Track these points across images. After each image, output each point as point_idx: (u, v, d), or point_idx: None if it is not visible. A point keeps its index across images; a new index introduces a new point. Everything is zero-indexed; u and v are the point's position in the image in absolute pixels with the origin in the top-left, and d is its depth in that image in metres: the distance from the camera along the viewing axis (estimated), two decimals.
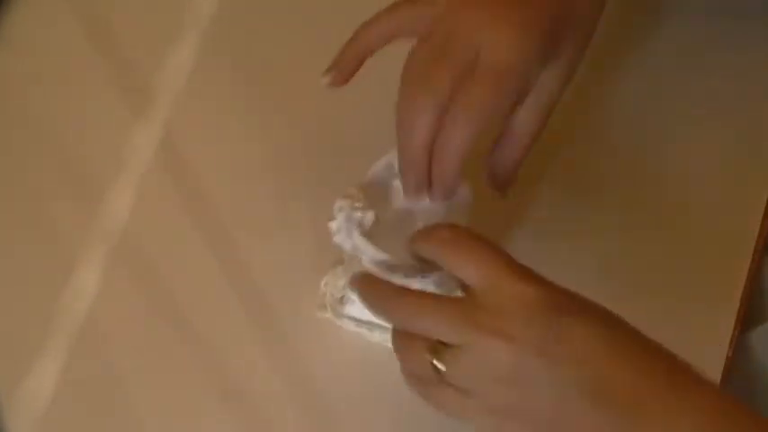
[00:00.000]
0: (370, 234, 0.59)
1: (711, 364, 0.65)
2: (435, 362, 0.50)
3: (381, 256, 0.58)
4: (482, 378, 0.50)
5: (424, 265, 0.57)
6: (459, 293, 0.54)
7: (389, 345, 0.56)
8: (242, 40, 0.78)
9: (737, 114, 0.75)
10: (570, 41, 0.60)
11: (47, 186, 0.71)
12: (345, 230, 0.59)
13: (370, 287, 0.55)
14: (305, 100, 0.75)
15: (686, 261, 0.69)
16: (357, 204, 0.59)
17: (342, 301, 0.65)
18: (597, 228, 0.70)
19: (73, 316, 0.66)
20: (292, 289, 0.67)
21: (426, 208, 0.61)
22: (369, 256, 0.59)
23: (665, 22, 0.78)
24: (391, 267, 0.58)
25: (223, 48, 0.78)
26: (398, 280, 0.57)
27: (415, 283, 0.56)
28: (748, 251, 0.69)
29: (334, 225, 0.60)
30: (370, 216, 0.59)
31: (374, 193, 0.61)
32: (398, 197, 0.62)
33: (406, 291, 0.54)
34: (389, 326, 0.57)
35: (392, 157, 0.61)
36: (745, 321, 0.68)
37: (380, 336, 0.64)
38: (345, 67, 0.62)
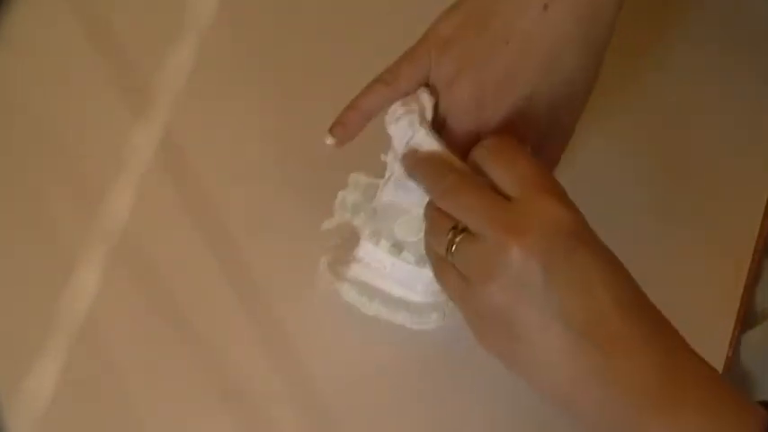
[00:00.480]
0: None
1: (713, 351, 0.65)
2: (453, 239, 0.52)
3: (441, 146, 0.58)
4: (484, 271, 0.51)
5: None
6: None
7: (386, 317, 0.58)
8: (242, 40, 0.78)
9: (737, 115, 0.75)
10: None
11: (47, 186, 0.71)
12: (409, 121, 0.59)
13: (425, 157, 0.57)
14: (305, 100, 0.75)
15: (686, 262, 0.69)
16: (424, 95, 0.60)
17: (347, 261, 0.64)
18: (597, 228, 0.70)
19: (73, 316, 0.66)
20: (293, 288, 0.67)
21: None
22: (429, 146, 0.58)
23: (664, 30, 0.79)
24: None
25: (223, 48, 0.78)
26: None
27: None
28: (748, 251, 0.69)
29: (397, 111, 0.60)
30: (430, 106, 0.59)
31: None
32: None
33: (454, 168, 0.55)
34: (389, 297, 0.60)
35: (413, 116, 0.60)
36: (745, 322, 0.68)
37: (378, 307, 0.63)
38: (348, 133, 0.63)
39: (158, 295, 0.67)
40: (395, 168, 0.61)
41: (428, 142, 0.58)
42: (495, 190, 0.53)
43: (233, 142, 0.74)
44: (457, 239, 0.52)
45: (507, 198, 0.52)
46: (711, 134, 0.74)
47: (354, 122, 0.62)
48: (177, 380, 0.65)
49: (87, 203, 0.70)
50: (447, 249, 0.53)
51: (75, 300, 0.67)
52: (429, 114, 0.59)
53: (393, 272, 0.62)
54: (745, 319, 0.68)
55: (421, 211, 0.58)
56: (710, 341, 0.66)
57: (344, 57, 0.77)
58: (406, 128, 0.59)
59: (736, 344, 0.66)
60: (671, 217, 0.71)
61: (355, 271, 0.64)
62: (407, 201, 0.60)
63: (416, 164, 0.58)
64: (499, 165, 0.54)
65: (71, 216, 0.70)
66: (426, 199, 0.57)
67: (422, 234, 0.58)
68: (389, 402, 0.64)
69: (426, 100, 0.60)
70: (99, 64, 0.76)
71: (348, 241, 0.65)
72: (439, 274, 0.55)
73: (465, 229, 0.52)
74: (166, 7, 0.79)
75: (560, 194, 0.52)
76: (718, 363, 0.65)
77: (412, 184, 0.59)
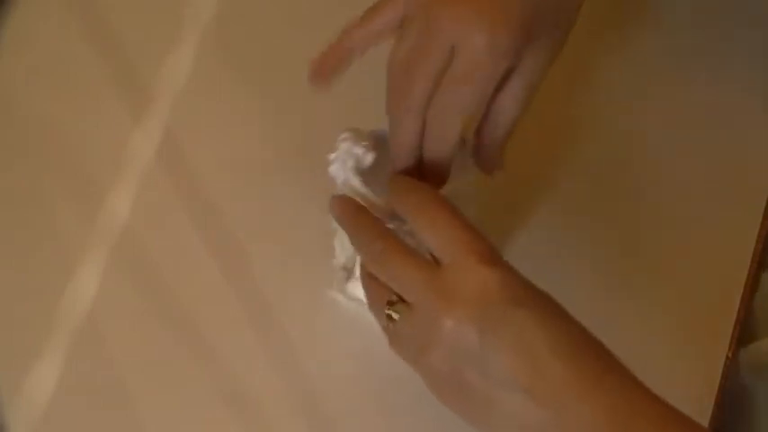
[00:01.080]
0: (364, 174, 0.59)
1: (711, 365, 0.65)
2: (390, 312, 0.52)
3: (368, 194, 0.59)
4: (423, 342, 0.51)
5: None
6: None
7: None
8: (242, 40, 0.78)
9: (734, 126, 0.75)
10: (552, 25, 0.59)
11: (47, 186, 0.71)
12: (342, 162, 0.60)
13: (351, 214, 0.57)
14: (305, 100, 0.75)
15: (687, 267, 0.69)
16: (363, 142, 0.60)
17: (348, 276, 0.65)
18: (596, 236, 0.70)
19: (73, 316, 0.66)
20: (293, 288, 0.67)
21: None
22: (356, 192, 0.59)
23: (654, 33, 0.78)
24: (373, 209, 0.58)
25: (223, 48, 0.78)
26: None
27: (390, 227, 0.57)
28: (747, 257, 0.70)
29: (332, 155, 0.60)
30: (369, 157, 0.60)
31: (380, 145, 0.61)
32: None
33: (381, 233, 0.54)
34: None
35: (346, 158, 0.61)
36: (741, 337, 0.68)
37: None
38: (326, 66, 0.63)
39: (158, 295, 0.67)
40: None
41: (356, 190, 0.59)
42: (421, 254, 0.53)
43: (233, 142, 0.74)
44: (393, 313, 0.52)
45: (436, 261, 0.52)
46: (707, 146, 0.74)
47: (330, 59, 0.62)
48: (177, 380, 0.65)
49: (87, 203, 0.70)
50: (388, 322, 0.53)
51: (75, 300, 0.67)
52: (367, 160, 0.60)
53: None
54: (742, 335, 0.68)
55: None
56: (710, 342, 0.66)
57: None
58: (339, 170, 0.60)
59: (732, 360, 0.66)
60: (670, 227, 0.71)
61: (353, 287, 0.65)
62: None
63: (343, 218, 0.58)
64: (422, 226, 0.53)
65: (71, 216, 0.70)
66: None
67: None
68: (391, 407, 0.64)
69: (360, 150, 0.60)
70: (99, 64, 0.76)
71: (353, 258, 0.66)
72: (390, 342, 0.54)
73: (400, 299, 0.52)
74: (166, 7, 0.79)
75: (488, 254, 0.51)
76: (718, 363, 0.65)
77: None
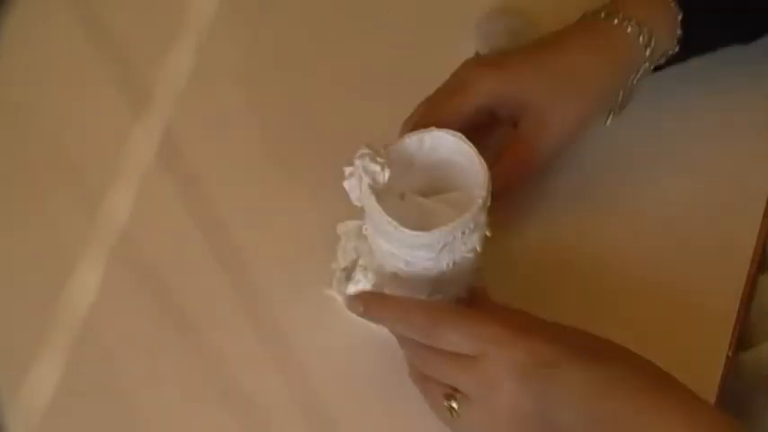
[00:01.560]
0: (378, 192, 0.60)
1: (711, 365, 0.65)
2: (450, 405, 0.57)
3: (380, 214, 0.59)
4: (490, 420, 0.56)
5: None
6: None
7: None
8: (242, 40, 0.78)
9: (734, 127, 0.75)
10: None
11: (47, 186, 0.71)
12: (358, 179, 0.60)
13: (387, 311, 0.60)
14: (305, 100, 0.75)
15: (687, 267, 0.69)
16: (379, 159, 0.60)
17: (347, 277, 0.66)
18: (596, 236, 0.70)
19: (73, 316, 0.66)
20: (293, 288, 0.67)
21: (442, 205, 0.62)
22: (369, 209, 0.59)
23: None
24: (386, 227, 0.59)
25: (223, 48, 0.78)
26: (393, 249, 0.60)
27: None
28: (746, 258, 0.69)
29: (348, 169, 0.60)
30: (385, 174, 0.60)
31: (396, 159, 0.61)
32: (416, 176, 0.62)
33: (421, 346, 0.58)
34: None
35: (425, 134, 0.61)
36: (739, 343, 0.68)
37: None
38: None
39: (158, 295, 0.67)
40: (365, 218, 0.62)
41: (368, 206, 0.60)
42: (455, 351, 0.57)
43: (233, 142, 0.74)
44: (454, 405, 0.57)
45: (470, 356, 0.56)
46: (708, 152, 0.74)
47: None
48: (177, 379, 0.65)
49: (87, 203, 0.70)
50: (450, 414, 0.57)
51: (74, 300, 0.67)
52: (382, 178, 0.60)
53: None
54: (740, 340, 0.68)
55: (396, 251, 0.60)
56: (709, 350, 0.66)
57: (345, 56, 0.77)
58: (355, 186, 0.60)
59: (732, 360, 0.66)
60: (672, 220, 0.71)
61: (350, 290, 0.66)
62: (386, 246, 0.61)
63: (380, 314, 0.61)
64: (437, 339, 0.57)
65: (71, 216, 0.70)
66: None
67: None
68: (390, 404, 0.63)
69: (377, 167, 0.60)
70: (99, 64, 0.76)
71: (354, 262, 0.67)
72: (455, 430, 0.59)
73: (454, 390, 0.57)
74: (166, 7, 0.79)
75: (505, 336, 0.55)
76: (715, 372, 0.65)
77: (387, 232, 0.60)
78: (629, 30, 0.65)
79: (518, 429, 0.55)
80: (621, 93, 0.69)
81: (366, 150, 0.60)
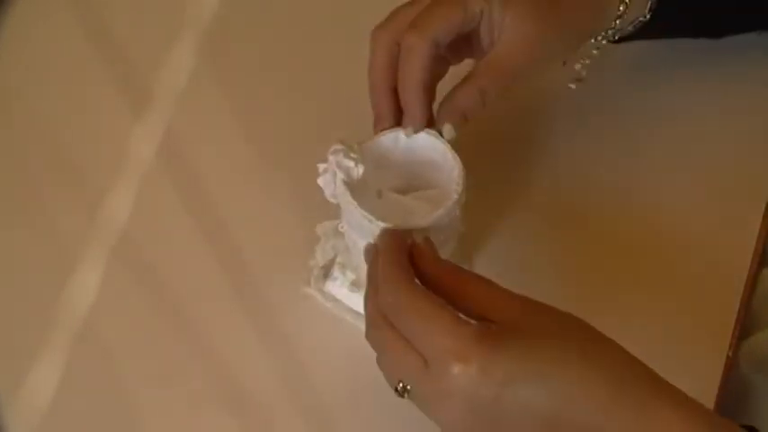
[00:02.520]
0: (354, 189, 0.60)
1: (711, 364, 0.65)
2: (405, 388, 0.55)
3: (356, 209, 0.59)
4: (438, 417, 0.55)
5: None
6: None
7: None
8: (242, 40, 0.78)
9: (734, 127, 0.75)
10: None
11: (47, 186, 0.71)
12: (332, 174, 0.60)
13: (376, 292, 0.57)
14: (305, 100, 0.75)
15: (687, 267, 0.69)
16: (352, 155, 0.60)
17: (326, 275, 0.66)
18: (596, 236, 0.70)
19: (73, 316, 0.66)
20: (293, 289, 0.67)
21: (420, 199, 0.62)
22: (345, 205, 0.60)
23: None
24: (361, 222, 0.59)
25: (223, 48, 0.78)
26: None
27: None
28: (747, 257, 0.70)
29: (322, 166, 0.61)
30: (359, 170, 0.60)
31: (371, 156, 0.61)
32: (393, 174, 0.63)
33: (382, 325, 0.56)
34: (359, 314, 0.63)
35: (400, 132, 0.62)
36: (742, 331, 0.68)
37: (354, 320, 0.66)
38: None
39: (158, 295, 0.67)
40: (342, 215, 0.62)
41: (343, 201, 0.60)
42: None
43: (233, 142, 0.74)
44: (404, 393, 0.55)
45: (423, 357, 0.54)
46: (705, 155, 0.74)
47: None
48: (177, 379, 0.65)
49: (87, 203, 0.70)
50: (401, 395, 0.55)
51: (75, 300, 0.67)
52: (356, 173, 0.60)
53: (351, 305, 0.66)
54: (743, 328, 0.68)
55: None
56: (709, 350, 0.66)
57: (344, 56, 0.77)
58: (329, 182, 0.61)
59: (733, 359, 0.66)
60: (672, 219, 0.71)
61: (330, 288, 0.66)
62: (361, 242, 0.61)
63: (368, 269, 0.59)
64: (404, 328, 0.55)
65: (71, 216, 0.70)
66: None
67: None
68: (390, 404, 0.63)
69: (351, 163, 0.60)
70: (99, 64, 0.76)
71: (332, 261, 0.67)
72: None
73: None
74: (166, 7, 0.79)
75: (462, 350, 0.53)
76: (715, 371, 0.65)
77: (362, 227, 0.60)
78: None
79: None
80: (585, 56, 0.69)
81: (339, 146, 0.60)
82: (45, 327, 0.66)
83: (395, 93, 0.63)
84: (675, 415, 0.52)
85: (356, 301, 0.66)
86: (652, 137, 0.75)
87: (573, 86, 0.71)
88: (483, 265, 0.68)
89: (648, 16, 0.69)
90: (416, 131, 0.62)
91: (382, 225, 0.58)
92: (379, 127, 0.63)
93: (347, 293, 0.66)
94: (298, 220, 0.69)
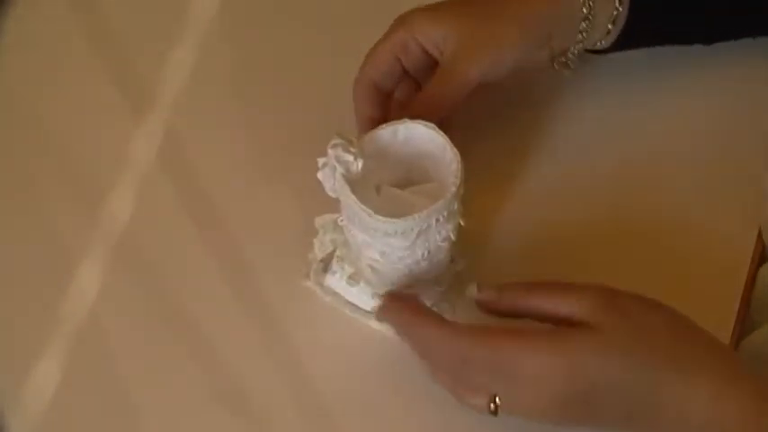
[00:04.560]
0: (353, 183, 0.60)
1: None
2: (492, 405, 0.57)
3: (355, 203, 0.59)
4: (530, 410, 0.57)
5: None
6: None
7: (368, 323, 0.63)
8: (242, 40, 0.78)
9: (734, 127, 0.75)
10: None
11: (47, 187, 0.71)
12: (331, 168, 0.61)
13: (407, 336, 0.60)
14: (305, 98, 0.76)
15: (686, 266, 0.69)
16: (352, 149, 0.60)
17: (325, 269, 0.67)
18: (595, 236, 0.70)
19: (73, 316, 0.66)
20: (293, 289, 0.67)
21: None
22: (345, 199, 0.60)
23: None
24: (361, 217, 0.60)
25: (223, 48, 0.78)
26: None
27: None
28: (747, 256, 0.70)
29: (322, 160, 0.61)
30: (359, 164, 0.60)
31: (370, 150, 0.62)
32: (391, 168, 0.63)
33: (467, 354, 0.57)
34: (358, 308, 0.65)
35: (399, 125, 0.62)
36: (742, 330, 0.68)
37: (353, 313, 0.66)
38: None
39: (159, 295, 0.67)
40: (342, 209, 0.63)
41: (343, 195, 0.60)
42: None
43: (233, 142, 0.74)
44: (493, 407, 0.57)
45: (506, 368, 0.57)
46: (705, 146, 0.74)
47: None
48: (177, 380, 0.65)
49: (87, 203, 0.70)
50: (494, 414, 0.58)
51: (75, 300, 0.67)
52: (355, 167, 0.60)
53: (350, 298, 0.66)
54: (743, 326, 0.68)
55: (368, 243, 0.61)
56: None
57: (344, 56, 0.77)
58: (328, 176, 0.61)
59: (735, 348, 0.66)
60: (671, 218, 0.71)
61: (329, 282, 0.67)
62: (360, 236, 0.61)
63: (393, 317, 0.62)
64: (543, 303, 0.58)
65: (71, 216, 0.70)
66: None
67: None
68: (389, 398, 0.64)
69: (350, 157, 0.61)
70: (99, 64, 0.76)
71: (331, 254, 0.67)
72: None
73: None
74: (166, 7, 0.79)
75: (539, 342, 0.56)
76: None
77: (361, 221, 0.60)
78: None
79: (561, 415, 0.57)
80: (572, 50, 0.71)
81: (338, 140, 0.60)
82: (45, 327, 0.65)
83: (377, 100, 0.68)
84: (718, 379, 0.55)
85: (355, 295, 0.66)
86: (650, 133, 0.75)
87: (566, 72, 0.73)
88: (483, 257, 0.68)
89: (622, 9, 0.70)
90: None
91: (382, 219, 0.58)
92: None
93: (346, 287, 0.66)
94: (296, 215, 0.69)
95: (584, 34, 0.70)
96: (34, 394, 0.64)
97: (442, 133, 0.62)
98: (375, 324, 0.65)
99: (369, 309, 0.65)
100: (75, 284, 0.67)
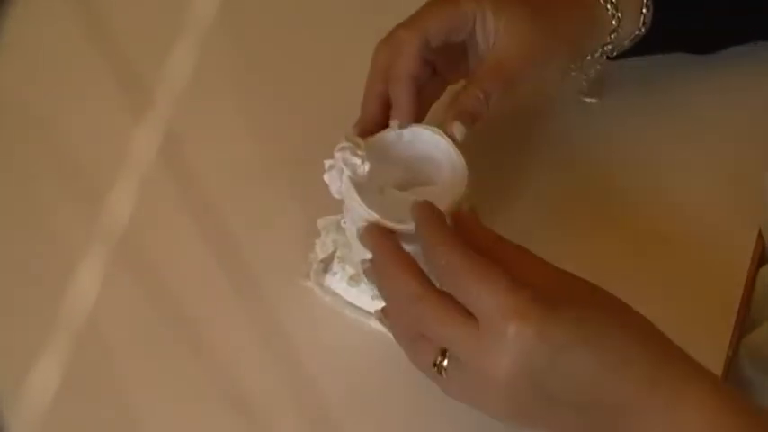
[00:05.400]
0: (358, 185, 0.60)
1: (711, 364, 0.65)
2: (442, 364, 0.55)
3: (360, 206, 0.59)
4: (480, 387, 0.54)
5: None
6: None
7: (368, 323, 0.62)
8: (242, 40, 0.78)
9: (734, 126, 0.75)
10: None
11: (47, 187, 0.71)
12: (338, 171, 0.61)
13: (383, 269, 0.58)
14: (305, 98, 0.76)
15: (687, 267, 0.69)
16: (359, 152, 0.61)
17: (326, 269, 0.67)
18: (596, 236, 0.70)
19: (74, 316, 0.66)
20: (293, 289, 0.67)
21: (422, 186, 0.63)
22: (350, 201, 0.60)
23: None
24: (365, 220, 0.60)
25: (223, 48, 0.78)
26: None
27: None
28: (747, 257, 0.70)
29: (328, 162, 0.62)
30: (365, 167, 0.61)
31: (374, 152, 0.62)
32: (394, 170, 0.63)
33: (418, 293, 0.55)
34: (359, 308, 0.64)
35: (404, 129, 0.63)
36: (743, 328, 0.68)
37: (353, 314, 0.66)
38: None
39: (159, 295, 0.67)
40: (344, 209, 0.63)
41: (349, 198, 0.60)
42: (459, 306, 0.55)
43: (233, 142, 0.74)
44: (445, 364, 0.55)
45: (472, 318, 0.54)
46: (705, 155, 0.74)
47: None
48: (177, 380, 0.65)
49: (88, 203, 0.70)
50: (438, 376, 0.55)
51: (75, 300, 0.67)
52: (362, 170, 0.61)
53: (350, 299, 0.66)
54: (743, 327, 0.68)
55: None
56: (709, 346, 0.66)
57: (344, 56, 0.77)
58: (335, 178, 0.61)
59: (733, 359, 0.67)
60: (671, 218, 0.71)
61: (330, 282, 0.67)
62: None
63: (374, 248, 0.59)
64: (453, 288, 0.55)
65: (71, 216, 0.70)
66: None
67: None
68: (389, 398, 0.64)
69: (357, 160, 0.61)
70: (99, 64, 0.76)
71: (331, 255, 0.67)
72: (444, 390, 0.57)
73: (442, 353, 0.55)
74: (166, 7, 0.79)
75: (519, 308, 0.53)
76: (715, 371, 0.65)
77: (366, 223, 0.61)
78: None
79: (509, 402, 0.54)
80: (589, 70, 0.71)
81: (346, 143, 0.61)
82: (45, 326, 0.65)
83: (385, 101, 0.65)
84: (707, 403, 0.53)
85: (355, 296, 0.66)
86: (651, 134, 0.75)
87: (588, 100, 0.75)
88: None
89: (643, 30, 0.70)
90: (402, 126, 0.63)
91: (387, 224, 0.58)
92: (357, 126, 0.65)
93: (346, 287, 0.66)
94: (297, 215, 0.69)
95: (608, 47, 0.70)
96: (34, 394, 0.64)
97: (446, 138, 0.62)
98: (375, 324, 0.65)
99: (369, 310, 0.65)
100: (75, 284, 0.67)
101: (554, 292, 0.54)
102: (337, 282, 0.66)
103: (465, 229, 0.58)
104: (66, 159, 0.73)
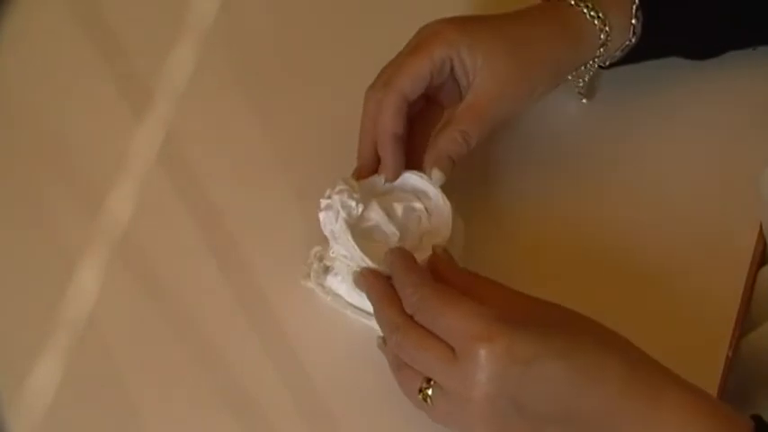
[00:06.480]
0: (352, 226, 0.63)
1: (711, 365, 0.66)
2: (425, 395, 0.58)
3: (352, 249, 0.63)
4: (462, 413, 0.57)
5: None
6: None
7: (368, 323, 0.64)
8: (242, 40, 0.78)
9: (734, 126, 0.75)
10: None
11: (48, 187, 0.71)
12: (335, 212, 0.63)
13: (375, 300, 0.61)
14: (305, 99, 0.76)
15: (686, 267, 0.69)
16: (355, 194, 0.63)
17: (327, 270, 0.67)
18: (596, 236, 0.70)
19: (74, 316, 0.66)
20: (293, 289, 0.67)
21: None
22: (342, 244, 0.63)
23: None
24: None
25: (223, 48, 0.78)
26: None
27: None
28: (747, 257, 0.70)
29: (324, 202, 0.64)
30: (359, 209, 0.64)
31: (366, 193, 0.65)
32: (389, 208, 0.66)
33: (399, 324, 0.58)
34: (360, 310, 0.65)
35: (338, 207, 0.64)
36: (743, 327, 0.68)
37: (354, 314, 0.67)
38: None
39: (159, 295, 0.67)
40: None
41: (343, 239, 0.63)
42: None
43: (233, 142, 0.74)
44: (428, 397, 0.57)
45: (448, 346, 0.56)
46: (704, 151, 0.74)
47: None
48: (177, 380, 0.65)
49: (88, 203, 0.70)
50: (423, 403, 0.58)
51: (76, 300, 0.67)
52: (356, 212, 0.64)
53: (351, 299, 0.67)
54: (743, 327, 0.68)
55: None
56: (709, 346, 0.66)
57: (344, 57, 0.77)
58: (331, 219, 0.64)
59: (732, 359, 0.67)
60: (672, 219, 0.71)
61: (330, 282, 0.67)
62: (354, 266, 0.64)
63: (368, 290, 0.63)
64: (426, 322, 0.57)
65: (72, 216, 0.70)
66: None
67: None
68: (389, 399, 0.64)
69: (353, 203, 0.64)
70: (99, 64, 0.76)
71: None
72: (430, 417, 0.59)
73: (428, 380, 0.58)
74: (166, 7, 0.79)
75: (485, 332, 0.55)
76: (715, 371, 0.66)
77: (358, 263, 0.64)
78: (584, 11, 0.68)
79: (492, 421, 0.56)
80: (583, 77, 0.72)
81: (344, 186, 0.64)
82: (46, 327, 0.65)
83: (405, 115, 0.66)
84: (685, 406, 0.55)
85: (356, 296, 0.66)
86: (651, 134, 0.75)
87: (585, 101, 0.75)
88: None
89: (634, 40, 0.70)
90: (389, 180, 0.66)
91: (380, 269, 0.62)
92: (355, 173, 0.67)
93: (347, 288, 0.66)
94: (297, 215, 0.69)
95: (598, 59, 0.70)
96: (34, 394, 0.64)
97: (433, 183, 0.65)
98: (376, 325, 0.65)
99: (370, 310, 0.65)
100: (76, 284, 0.67)
101: (522, 314, 0.56)
102: (338, 282, 0.66)
103: (439, 270, 0.61)
104: (66, 159, 0.73)
